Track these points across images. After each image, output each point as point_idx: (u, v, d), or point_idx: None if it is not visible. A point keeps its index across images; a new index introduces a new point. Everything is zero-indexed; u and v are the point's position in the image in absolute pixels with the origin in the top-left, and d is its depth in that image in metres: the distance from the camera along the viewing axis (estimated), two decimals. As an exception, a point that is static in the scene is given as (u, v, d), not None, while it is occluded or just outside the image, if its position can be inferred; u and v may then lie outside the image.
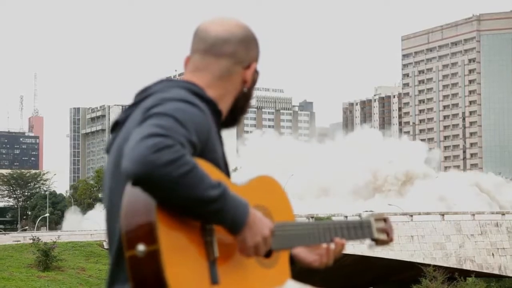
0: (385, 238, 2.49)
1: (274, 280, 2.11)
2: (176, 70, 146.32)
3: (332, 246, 2.29)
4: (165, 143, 1.82)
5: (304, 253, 2.28)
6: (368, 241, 2.47)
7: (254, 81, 2.16)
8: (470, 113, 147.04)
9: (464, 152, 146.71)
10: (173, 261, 1.83)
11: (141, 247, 1.80)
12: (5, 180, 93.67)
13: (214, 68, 2.11)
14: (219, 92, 2.10)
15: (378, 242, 2.47)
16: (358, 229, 2.40)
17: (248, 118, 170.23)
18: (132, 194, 1.87)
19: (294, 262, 2.32)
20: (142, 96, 2.04)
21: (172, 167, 1.80)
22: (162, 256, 1.80)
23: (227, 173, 2.10)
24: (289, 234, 2.15)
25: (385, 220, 2.50)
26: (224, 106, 2.12)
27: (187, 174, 1.82)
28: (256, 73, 2.17)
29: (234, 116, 2.18)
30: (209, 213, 1.87)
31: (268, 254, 2.10)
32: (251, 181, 2.13)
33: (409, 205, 52.12)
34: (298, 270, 2.37)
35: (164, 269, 1.80)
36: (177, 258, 1.84)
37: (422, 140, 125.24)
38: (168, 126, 1.86)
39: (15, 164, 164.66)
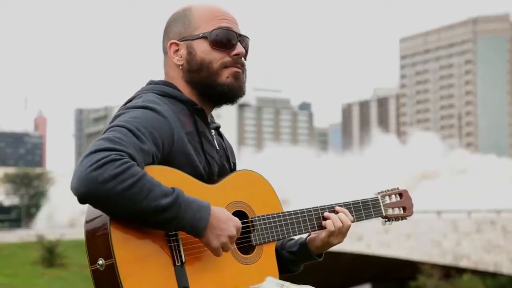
0: (400, 213, 2.39)
1: (255, 276, 2.06)
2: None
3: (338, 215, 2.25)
4: (110, 158, 1.79)
5: (316, 233, 2.26)
6: (381, 220, 2.38)
7: (189, 53, 2.12)
8: (467, 113, 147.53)
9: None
10: (131, 272, 1.84)
11: (100, 262, 1.85)
12: (10, 178, 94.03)
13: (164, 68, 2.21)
14: (175, 84, 2.14)
15: (390, 218, 2.37)
16: (361, 209, 2.32)
17: (248, 118, 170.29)
18: (90, 211, 1.89)
19: (309, 254, 2.26)
20: (130, 98, 2.10)
21: (115, 182, 1.78)
22: (119, 269, 1.82)
23: (210, 171, 2.09)
24: (271, 226, 2.13)
25: (400, 194, 2.41)
26: (188, 94, 2.13)
27: (132, 186, 1.79)
28: (194, 41, 2.12)
29: (211, 92, 2.13)
30: (164, 222, 1.84)
31: (249, 250, 2.09)
32: (228, 178, 2.10)
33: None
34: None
35: (121, 281, 1.82)
36: (136, 268, 1.85)
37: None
38: (118, 139, 1.85)
39: (20, 163, 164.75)
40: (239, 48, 2.13)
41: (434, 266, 34.00)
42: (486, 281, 35.84)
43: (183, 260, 1.92)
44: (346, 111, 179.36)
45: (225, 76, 2.10)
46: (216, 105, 2.18)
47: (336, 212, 2.25)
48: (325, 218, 2.23)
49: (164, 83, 2.14)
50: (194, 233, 1.89)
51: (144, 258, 1.87)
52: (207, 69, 2.10)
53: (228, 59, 2.11)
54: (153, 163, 1.94)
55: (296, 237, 2.30)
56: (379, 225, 35.69)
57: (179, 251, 1.92)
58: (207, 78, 2.10)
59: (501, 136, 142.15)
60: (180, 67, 2.12)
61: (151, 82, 2.16)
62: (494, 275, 37.17)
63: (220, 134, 2.27)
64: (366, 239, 34.97)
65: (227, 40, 2.11)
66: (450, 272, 34.08)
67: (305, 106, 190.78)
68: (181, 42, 2.12)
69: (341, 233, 2.22)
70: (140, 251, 1.87)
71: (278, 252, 2.28)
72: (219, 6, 2.16)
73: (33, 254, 39.00)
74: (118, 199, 1.79)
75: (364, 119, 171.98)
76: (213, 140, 2.17)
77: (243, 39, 2.17)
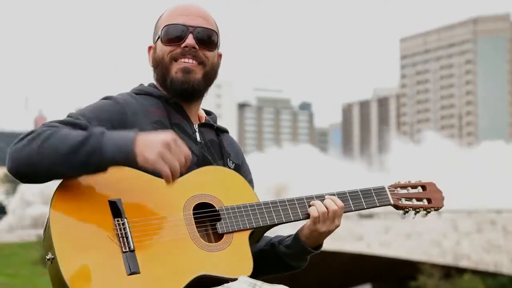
0: (423, 204, 2.29)
1: (219, 262, 2.01)
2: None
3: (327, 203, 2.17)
4: (29, 131, 1.91)
5: (304, 225, 2.20)
6: (401, 213, 2.28)
7: (154, 52, 2.23)
8: (467, 113, 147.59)
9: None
10: (71, 261, 1.86)
11: (48, 256, 1.90)
12: (10, 178, 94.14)
13: None
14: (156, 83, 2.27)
15: (406, 209, 2.27)
16: (361, 197, 2.24)
17: (248, 118, 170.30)
18: (47, 214, 1.94)
19: (302, 245, 2.19)
20: None
21: (33, 143, 1.87)
22: (58, 259, 1.85)
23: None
24: (241, 215, 2.09)
25: (423, 186, 2.32)
26: (164, 88, 2.23)
27: (48, 139, 1.87)
28: (157, 42, 2.23)
29: (168, 86, 2.20)
30: (89, 156, 1.88)
31: (217, 239, 2.06)
32: (192, 173, 2.09)
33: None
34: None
35: (62, 270, 1.84)
36: (77, 258, 1.87)
37: (414, 140, 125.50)
38: (50, 122, 1.97)
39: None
40: (187, 40, 2.18)
41: (434, 266, 33.98)
42: (486, 281, 35.84)
43: (132, 247, 1.91)
44: (346, 111, 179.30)
45: (174, 71, 2.18)
46: (183, 100, 2.22)
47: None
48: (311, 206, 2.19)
49: (149, 84, 2.26)
50: (126, 155, 1.89)
51: (86, 248, 1.89)
52: (161, 64, 2.20)
53: (177, 51, 2.18)
54: None
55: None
56: (379, 225, 35.70)
57: (127, 239, 1.92)
58: (162, 72, 2.20)
59: (501, 136, 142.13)
60: (152, 68, 2.25)
61: (140, 85, 2.28)
62: (494, 275, 37.19)
63: (218, 134, 2.30)
64: (366, 239, 34.98)
65: (173, 34, 2.19)
66: (450, 272, 34.06)
67: (305, 106, 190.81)
68: (153, 45, 2.25)
69: (328, 219, 2.15)
70: (82, 241, 1.89)
71: (276, 247, 2.25)
72: (182, 5, 2.25)
73: (33, 254, 39.07)
74: (39, 154, 1.85)
75: (364, 119, 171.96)
76: (194, 133, 2.20)
77: (198, 31, 2.21)
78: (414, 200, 2.27)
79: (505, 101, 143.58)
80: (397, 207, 2.26)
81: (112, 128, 2.00)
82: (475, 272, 35.37)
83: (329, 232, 2.17)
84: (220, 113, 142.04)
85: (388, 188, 2.27)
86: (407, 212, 2.27)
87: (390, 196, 2.25)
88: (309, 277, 34.41)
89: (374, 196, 2.23)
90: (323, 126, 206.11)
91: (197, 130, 2.22)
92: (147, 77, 2.32)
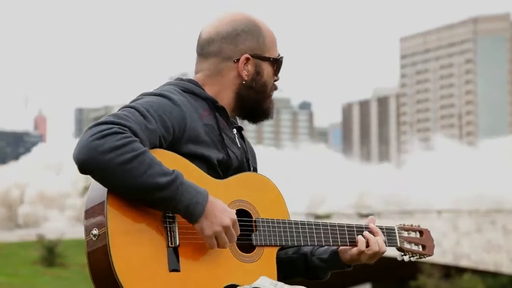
0: (419, 250, 2.36)
1: (251, 274, 2.05)
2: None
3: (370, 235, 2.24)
4: (113, 130, 1.84)
5: (347, 248, 2.25)
6: (397, 253, 2.36)
7: (257, 72, 2.14)
8: (467, 112, 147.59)
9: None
10: (122, 244, 1.85)
11: (94, 231, 1.88)
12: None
13: (205, 68, 2.15)
14: (215, 89, 2.13)
15: (407, 253, 2.34)
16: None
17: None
18: (93, 187, 1.94)
19: (339, 263, 2.26)
20: None
21: (115, 153, 1.81)
22: (110, 239, 1.84)
23: (227, 164, 2.09)
24: (274, 231, 2.11)
25: (421, 232, 2.39)
26: (225, 101, 2.15)
27: (132, 160, 1.82)
28: (263, 62, 2.15)
29: (252, 110, 2.18)
30: (160, 200, 1.87)
31: (250, 250, 2.08)
32: (236, 177, 2.11)
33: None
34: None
35: (111, 251, 1.84)
36: (127, 241, 1.86)
37: (420, 140, 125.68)
38: (124, 115, 1.90)
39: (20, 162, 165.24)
40: (278, 79, 2.22)
41: (434, 265, 33.97)
42: (486, 281, 35.84)
43: (177, 243, 1.92)
44: (346, 111, 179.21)
45: (269, 102, 2.20)
46: (244, 119, 2.23)
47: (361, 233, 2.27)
48: (349, 235, 2.24)
49: (189, 80, 2.15)
50: (189, 218, 1.91)
51: (137, 233, 1.88)
52: (265, 92, 2.16)
53: (272, 86, 2.21)
54: (160, 145, 1.97)
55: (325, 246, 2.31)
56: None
57: (174, 233, 1.93)
58: (262, 99, 2.16)
59: (501, 135, 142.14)
60: (244, 81, 2.14)
61: (178, 79, 2.18)
62: (494, 275, 37.17)
63: (242, 136, 2.26)
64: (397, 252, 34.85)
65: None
66: (450, 271, 34.05)
67: (305, 106, 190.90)
68: (251, 58, 2.14)
69: (374, 257, 2.25)
70: (134, 226, 1.88)
71: (308, 258, 2.28)
72: (270, 30, 2.21)
73: (33, 254, 39.00)
74: (117, 171, 1.82)
75: (364, 118, 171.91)
76: (235, 138, 2.18)
77: None
78: (413, 244, 2.36)
79: (505, 101, 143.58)
80: (400, 249, 2.34)
81: (173, 132, 1.98)
82: (475, 272, 35.34)
83: (367, 262, 2.29)
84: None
85: (397, 230, 2.35)
86: (405, 255, 2.35)
87: (398, 239, 2.33)
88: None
89: (385, 236, 2.30)
90: (323, 125, 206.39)
91: (236, 135, 2.19)
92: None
